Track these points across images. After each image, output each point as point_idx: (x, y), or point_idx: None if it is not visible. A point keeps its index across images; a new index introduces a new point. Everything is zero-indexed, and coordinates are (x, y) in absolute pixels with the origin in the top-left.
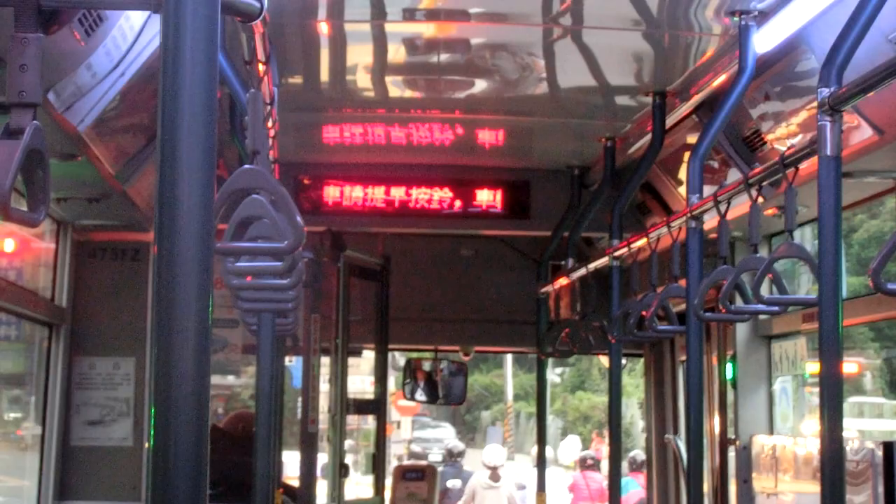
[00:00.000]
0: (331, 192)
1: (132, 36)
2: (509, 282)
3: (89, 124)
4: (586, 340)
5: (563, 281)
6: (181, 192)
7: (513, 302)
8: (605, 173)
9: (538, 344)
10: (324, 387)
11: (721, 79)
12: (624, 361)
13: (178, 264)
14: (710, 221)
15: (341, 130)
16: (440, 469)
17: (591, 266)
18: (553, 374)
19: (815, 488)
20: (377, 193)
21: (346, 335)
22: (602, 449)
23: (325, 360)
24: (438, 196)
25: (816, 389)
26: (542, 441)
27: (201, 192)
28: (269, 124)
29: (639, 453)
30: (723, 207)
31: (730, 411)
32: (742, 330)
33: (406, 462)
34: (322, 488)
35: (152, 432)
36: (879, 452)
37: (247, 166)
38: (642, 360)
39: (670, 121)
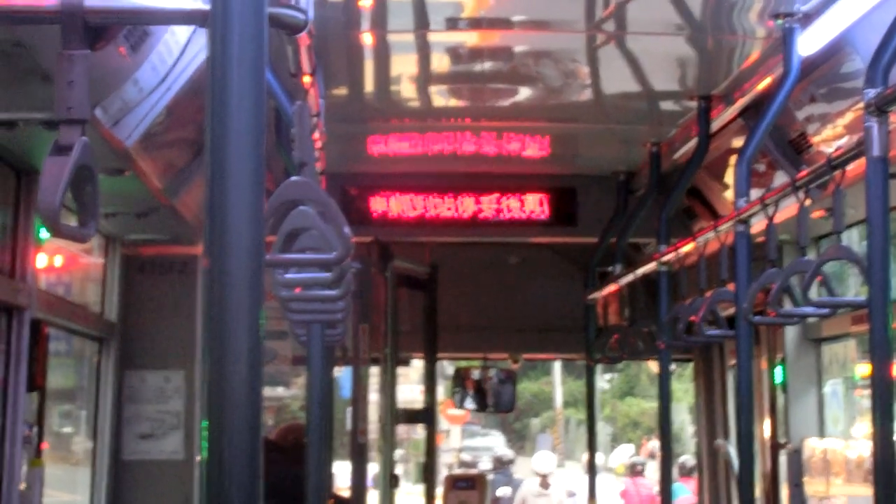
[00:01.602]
0: (377, 203)
1: (178, 50)
2: (557, 289)
3: (137, 139)
4: (635, 346)
5: (610, 287)
6: (230, 204)
7: (561, 309)
8: (651, 179)
9: (587, 350)
10: (373, 397)
11: (766, 82)
12: (673, 366)
13: (229, 277)
14: (758, 225)
15: (387, 141)
16: (490, 477)
17: (639, 272)
18: (602, 381)
19: (867, 491)
20: (423, 203)
21: (394, 345)
22: (651, 447)
23: (374, 370)
24: (485, 205)
25: (867, 392)
26: (591, 448)
27: (250, 204)
28: (316, 136)
29: (689, 459)
30: (770, 210)
31: (780, 415)
32: (791, 333)
33: (456, 471)
34: (373, 499)
35: (205, 445)
36: None
37: (294, 178)
38: (692, 364)
39: (715, 125)
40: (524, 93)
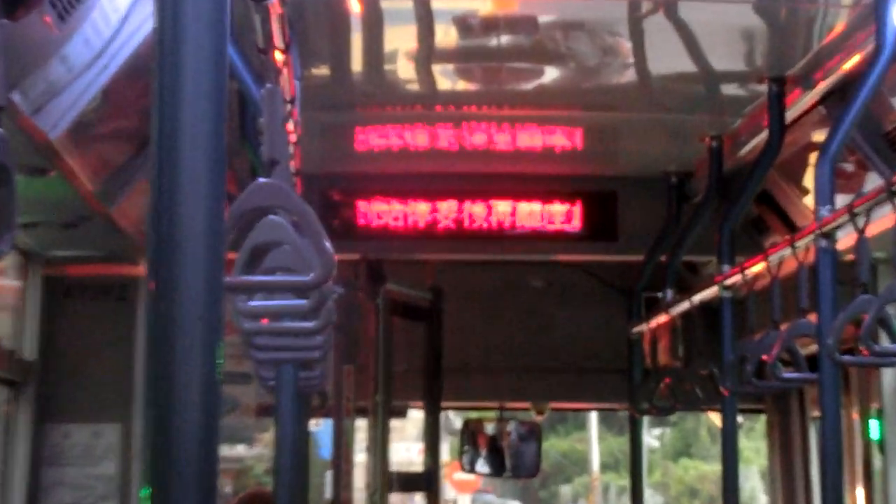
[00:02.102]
0: (367, 211)
1: (117, 20)
2: (592, 320)
3: (64, 130)
4: (692, 393)
5: (660, 318)
6: (181, 213)
7: (597, 345)
8: (711, 181)
9: (631, 398)
10: (360, 457)
11: (853, 60)
12: (740, 419)
13: (179, 304)
14: (846, 240)
15: (379, 133)
16: None
17: (696, 298)
18: (650, 437)
19: None
20: (424, 211)
21: (387, 391)
22: None
23: (362, 424)
24: (500, 214)
25: None
26: None
27: (207, 213)
28: (290, 127)
29: None
30: (861, 221)
31: (876, 480)
32: (889, 377)
33: None
34: None
35: None
36: None
37: (262, 180)
38: (764, 417)
39: (791, 114)
40: (550, 74)
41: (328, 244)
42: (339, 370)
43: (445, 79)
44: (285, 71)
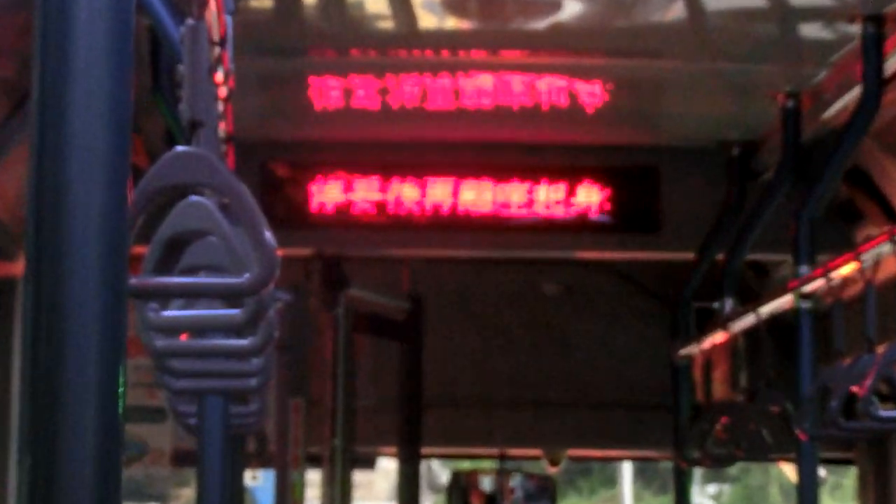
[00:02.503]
0: (322, 191)
1: None
2: (625, 338)
3: None
4: (758, 437)
5: (716, 336)
6: (71, 192)
7: (631, 372)
8: (785, 153)
9: (676, 444)
10: None
11: None
12: (822, 472)
13: (66, 314)
14: None
15: (340, 87)
16: None
17: (765, 310)
18: (703, 496)
19: None
20: (400, 192)
21: (349, 433)
22: None
23: (315, 477)
24: (504, 196)
25: None
26: None
27: (105, 192)
28: (219, 77)
29: None
30: None
31: None
32: None
33: None
34: None
35: None
36: None
37: (181, 148)
38: (854, 469)
39: (892, 64)
40: (571, 7)
41: (269, 235)
42: (284, 404)
43: (430, 14)
44: (213, 3)
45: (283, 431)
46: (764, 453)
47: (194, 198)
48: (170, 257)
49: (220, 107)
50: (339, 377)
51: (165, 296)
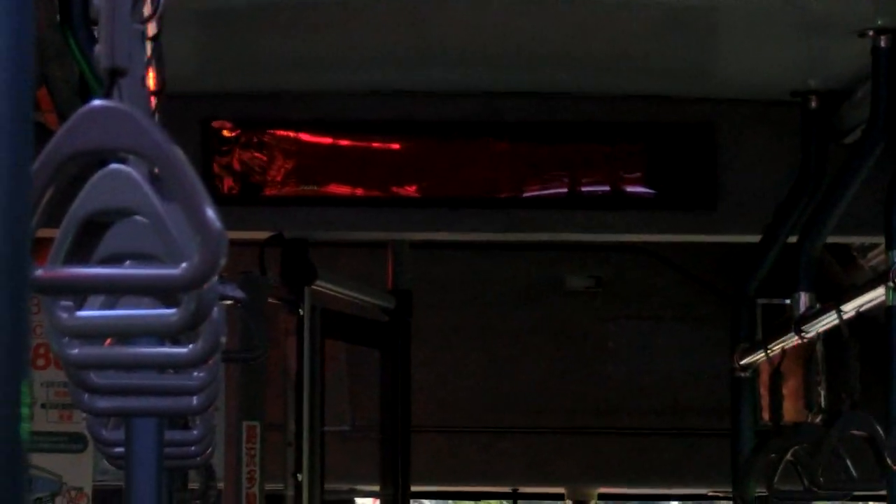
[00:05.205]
0: (282, 158)
1: None
2: (671, 344)
3: None
4: (840, 469)
5: (787, 341)
6: None
7: (679, 387)
8: (878, 106)
9: (736, 477)
10: None
11: None
12: None
13: None
14: None
15: (303, 23)
16: None
17: (849, 308)
18: None
19: None
20: (380, 158)
21: (317, 465)
22: None
23: None
24: (514, 162)
25: None
26: None
27: (3, 157)
28: (147, 11)
29: None
30: None
31: None
32: None
33: None
34: None
35: None
36: None
37: (97, 102)
38: None
39: None
40: None
41: (212, 213)
42: (236, 429)
43: None
44: None
45: (235, 464)
46: (847, 489)
47: (116, 166)
48: (86, 243)
49: (148, 50)
50: (305, 395)
51: (80, 291)
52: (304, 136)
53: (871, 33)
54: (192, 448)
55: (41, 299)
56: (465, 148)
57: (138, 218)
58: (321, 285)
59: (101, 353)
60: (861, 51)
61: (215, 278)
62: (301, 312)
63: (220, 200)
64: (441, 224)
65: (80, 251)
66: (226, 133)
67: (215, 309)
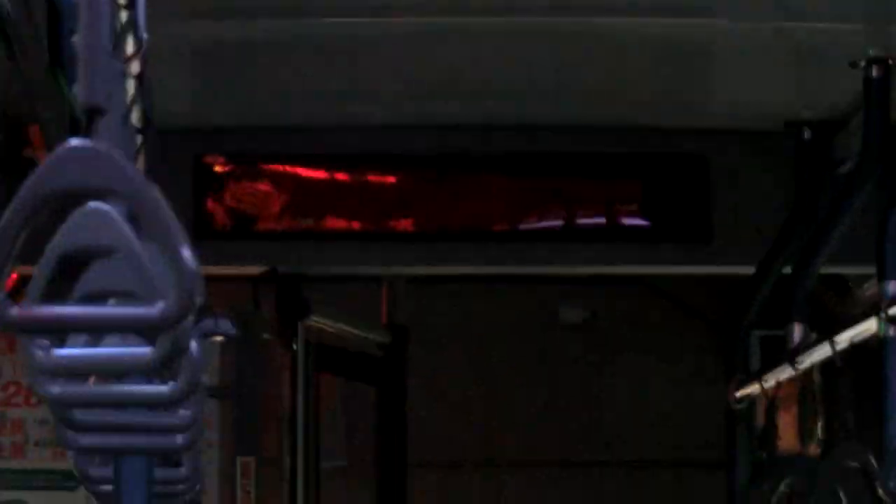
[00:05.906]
0: (276, 193)
1: None
2: (667, 377)
3: None
4: (835, 500)
5: (783, 372)
6: None
7: (676, 420)
8: (871, 136)
9: None
10: None
11: None
12: None
13: None
14: None
15: (297, 60)
16: None
17: (844, 338)
18: None
19: None
20: (375, 192)
21: (311, 499)
22: None
23: None
24: (509, 196)
25: None
26: None
27: None
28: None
29: None
30: None
31: None
32: None
33: None
34: None
35: None
36: None
37: (75, 141)
38: None
39: None
40: None
41: (188, 252)
42: (230, 465)
43: None
44: None
45: (230, 500)
46: None
47: (95, 205)
48: (64, 281)
49: (131, 87)
50: (300, 430)
51: (55, 331)
52: (298, 171)
53: (862, 63)
54: (181, 486)
55: (21, 340)
56: (461, 181)
57: (117, 256)
58: (315, 320)
59: (80, 391)
60: (853, 81)
61: (189, 317)
62: (294, 348)
63: (213, 235)
64: (437, 258)
65: (59, 289)
66: (218, 168)
67: (194, 346)
